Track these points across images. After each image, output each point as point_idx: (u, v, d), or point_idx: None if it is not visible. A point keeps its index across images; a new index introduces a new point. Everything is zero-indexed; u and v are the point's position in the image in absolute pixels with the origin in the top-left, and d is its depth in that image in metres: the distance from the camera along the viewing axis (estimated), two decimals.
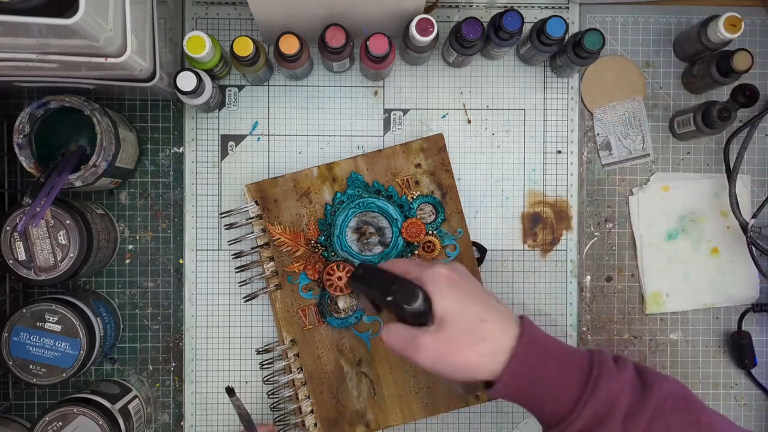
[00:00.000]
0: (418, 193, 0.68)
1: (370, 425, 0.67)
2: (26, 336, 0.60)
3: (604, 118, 0.71)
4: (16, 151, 0.60)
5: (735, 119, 0.66)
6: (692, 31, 0.68)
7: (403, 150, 0.68)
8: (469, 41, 0.62)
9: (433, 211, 0.68)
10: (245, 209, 0.67)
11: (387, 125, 0.70)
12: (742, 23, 0.63)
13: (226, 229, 0.67)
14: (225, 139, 0.70)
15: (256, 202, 0.67)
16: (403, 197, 0.67)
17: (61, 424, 0.60)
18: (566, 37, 0.65)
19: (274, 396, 0.67)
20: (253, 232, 0.67)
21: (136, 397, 0.67)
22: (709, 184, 0.72)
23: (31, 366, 0.60)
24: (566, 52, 0.65)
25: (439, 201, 0.68)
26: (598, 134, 0.71)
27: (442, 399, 0.67)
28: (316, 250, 0.67)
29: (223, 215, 0.68)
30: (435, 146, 0.68)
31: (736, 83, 0.67)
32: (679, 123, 0.70)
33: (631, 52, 0.72)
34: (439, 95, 0.71)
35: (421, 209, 0.68)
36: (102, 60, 0.53)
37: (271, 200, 0.67)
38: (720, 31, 0.63)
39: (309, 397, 0.67)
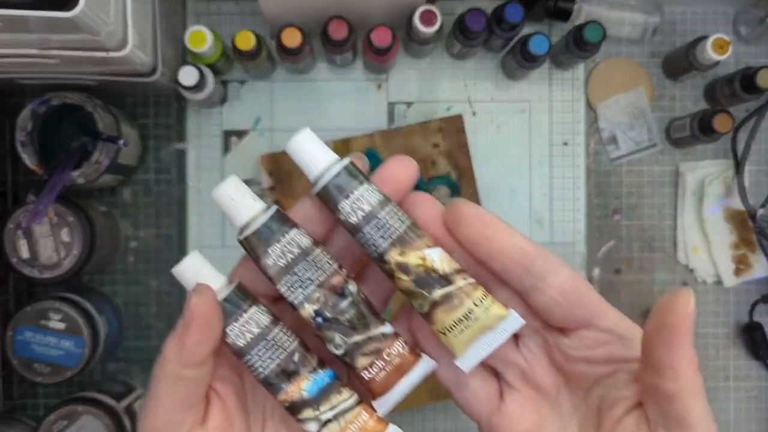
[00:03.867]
0: (434, 173, 0.67)
1: None
2: (30, 335, 0.60)
3: (608, 113, 0.71)
4: (19, 148, 0.59)
5: (733, 126, 0.65)
6: (680, 50, 0.68)
7: (421, 129, 0.67)
8: (472, 33, 0.62)
9: (449, 193, 0.67)
10: (258, 182, 0.65)
11: (391, 118, 0.70)
12: (730, 45, 0.63)
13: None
14: (227, 135, 0.69)
15: (269, 173, 0.66)
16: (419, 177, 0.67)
17: (66, 422, 0.59)
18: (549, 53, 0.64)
19: None
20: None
21: (141, 395, 0.67)
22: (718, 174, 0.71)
23: (35, 365, 0.60)
24: (568, 46, 0.64)
25: (455, 183, 0.67)
26: (602, 129, 0.71)
27: None
28: None
29: None
30: (453, 127, 0.67)
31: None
32: (675, 128, 0.70)
33: (634, 53, 0.72)
34: (443, 88, 0.70)
35: (436, 190, 0.67)
36: (104, 54, 0.52)
37: (285, 173, 0.66)
38: (708, 52, 0.64)
39: None
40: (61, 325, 0.60)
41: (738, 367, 0.71)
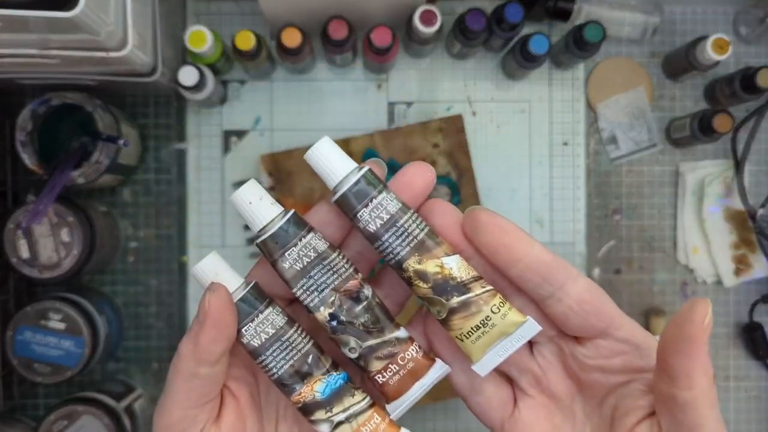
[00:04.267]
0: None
1: None
2: (30, 335, 0.60)
3: (608, 113, 0.71)
4: (19, 148, 0.59)
5: (733, 126, 0.65)
6: (680, 50, 0.68)
7: (421, 129, 0.67)
8: (472, 33, 0.62)
9: (449, 193, 0.67)
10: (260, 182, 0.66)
11: (391, 118, 0.70)
12: (729, 45, 0.63)
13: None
14: (227, 135, 0.69)
15: (269, 173, 0.66)
16: None
17: (66, 422, 0.59)
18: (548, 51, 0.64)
19: None
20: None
21: (140, 395, 0.67)
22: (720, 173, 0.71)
23: (35, 365, 0.60)
24: (567, 46, 0.64)
25: (455, 183, 0.67)
26: (602, 129, 0.71)
27: (447, 385, 0.67)
28: None
29: (235, 184, 0.67)
30: (453, 127, 0.67)
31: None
32: (675, 128, 0.70)
33: (634, 53, 0.71)
34: (443, 88, 0.70)
35: (436, 190, 0.67)
36: (104, 54, 0.52)
37: (285, 173, 0.66)
38: (708, 52, 0.64)
39: None
40: (61, 325, 0.60)
41: (738, 367, 0.71)
